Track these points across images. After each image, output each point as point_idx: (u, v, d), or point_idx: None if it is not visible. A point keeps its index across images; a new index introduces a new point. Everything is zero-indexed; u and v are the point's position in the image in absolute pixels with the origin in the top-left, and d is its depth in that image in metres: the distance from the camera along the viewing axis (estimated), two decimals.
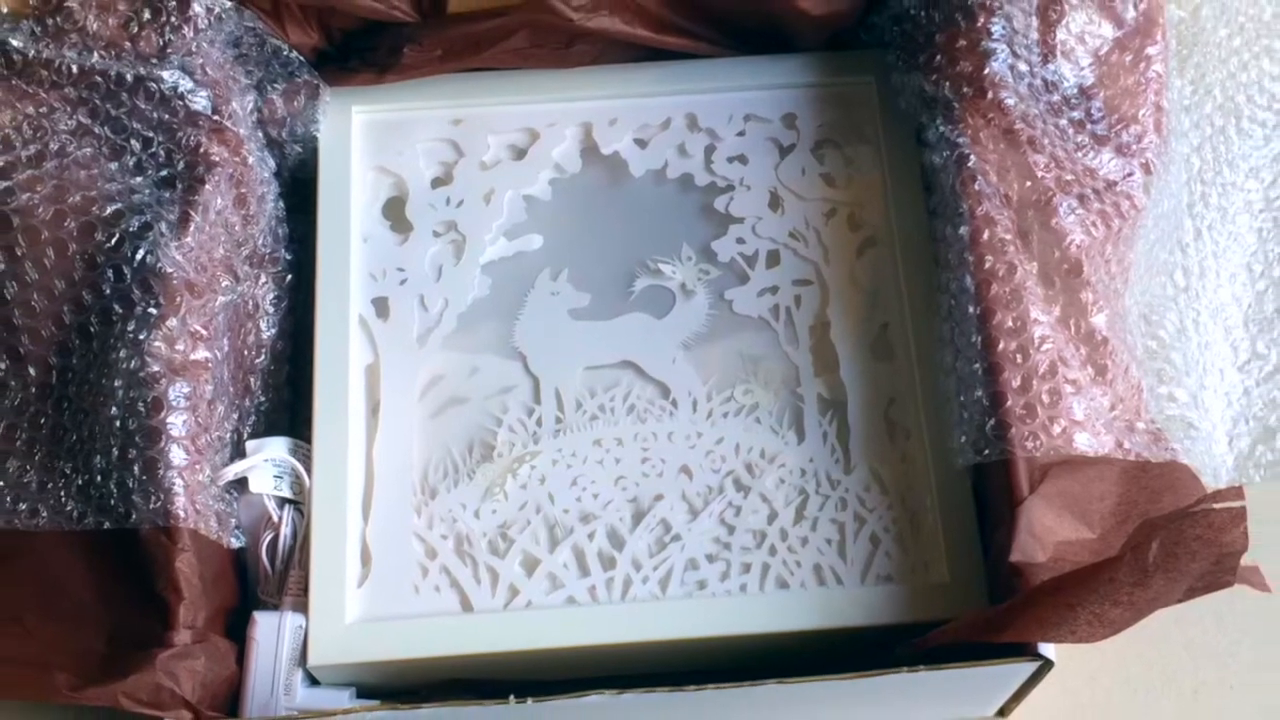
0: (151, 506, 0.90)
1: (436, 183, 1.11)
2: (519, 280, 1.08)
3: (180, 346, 0.95)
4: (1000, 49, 1.04)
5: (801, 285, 1.07)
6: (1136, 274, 1.06)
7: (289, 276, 1.08)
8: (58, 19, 1.00)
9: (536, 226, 1.10)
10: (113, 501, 0.91)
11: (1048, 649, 0.89)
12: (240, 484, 0.99)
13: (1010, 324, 0.96)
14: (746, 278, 1.08)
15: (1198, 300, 1.13)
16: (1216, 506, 0.78)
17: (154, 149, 1.00)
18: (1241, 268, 1.18)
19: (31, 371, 0.96)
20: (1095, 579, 0.81)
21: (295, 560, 0.98)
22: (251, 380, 1.04)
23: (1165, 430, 0.98)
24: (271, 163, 1.08)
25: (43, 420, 0.96)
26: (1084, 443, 0.93)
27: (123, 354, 0.94)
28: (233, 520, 0.97)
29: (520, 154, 1.12)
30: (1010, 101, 1.03)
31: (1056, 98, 1.05)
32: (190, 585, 0.91)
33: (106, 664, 0.88)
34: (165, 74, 1.00)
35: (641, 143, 1.13)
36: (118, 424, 0.92)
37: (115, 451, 0.92)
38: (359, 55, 1.13)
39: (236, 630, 0.96)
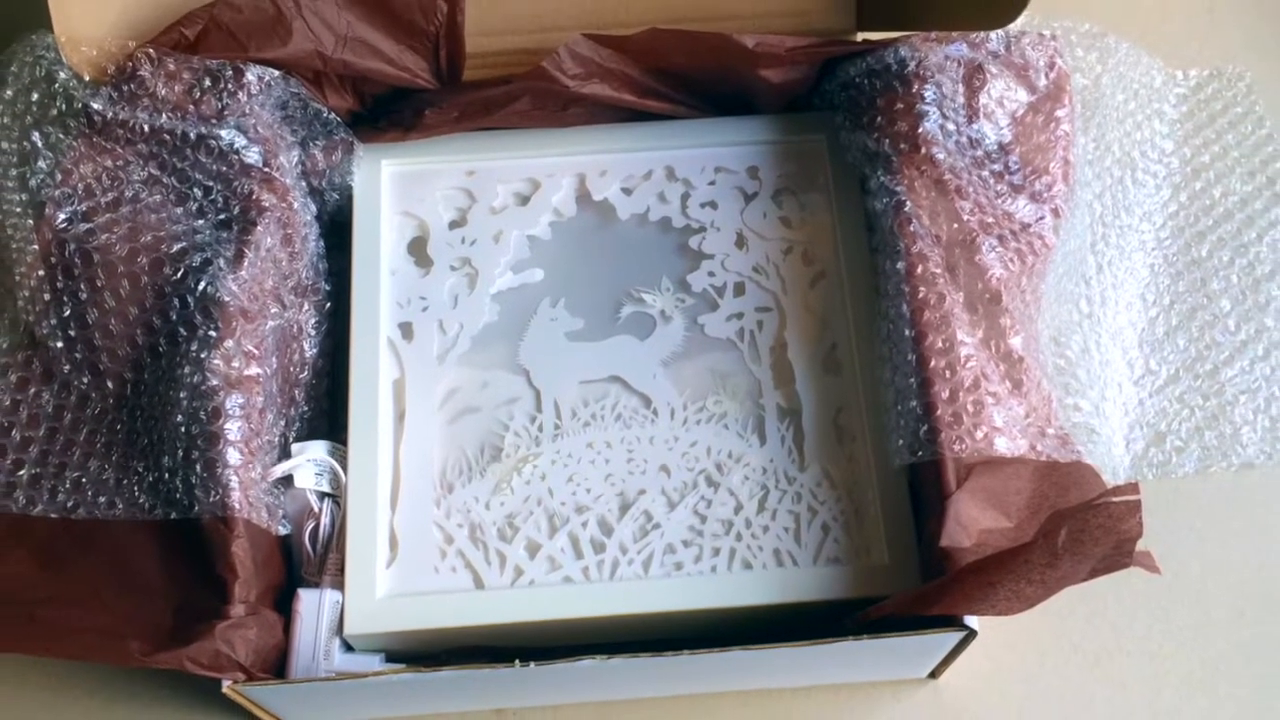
0: (211, 500, 0.90)
1: (453, 225, 1.11)
2: (523, 307, 1.08)
3: (236, 364, 0.95)
4: (932, 111, 1.05)
5: (763, 312, 1.07)
6: (1047, 302, 1.06)
7: (328, 304, 1.08)
8: (132, 86, 1.01)
9: (538, 262, 1.10)
10: (178, 495, 0.91)
11: (972, 621, 0.89)
12: (286, 480, 0.99)
13: (940, 345, 0.96)
14: (716, 305, 1.08)
15: (1099, 325, 1.14)
16: (1116, 500, 0.78)
17: (213, 196, 1.01)
18: (1136, 297, 1.18)
19: (109, 385, 0.96)
20: (1013, 561, 0.81)
21: (333, 545, 0.99)
22: (296, 392, 1.04)
23: (1071, 435, 0.98)
24: (313, 208, 1.08)
25: (119, 426, 0.96)
26: (1003, 446, 0.94)
27: (187, 370, 0.94)
28: (280, 511, 0.97)
29: (524, 200, 1.13)
30: (940, 156, 1.03)
31: (980, 153, 1.05)
32: (244, 566, 0.91)
33: (173, 633, 0.88)
34: (223, 133, 1.00)
35: (627, 191, 1.13)
36: (183, 429, 0.92)
37: (180, 453, 0.92)
38: (387, 117, 1.14)
39: (283, 604, 0.96)
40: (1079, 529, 0.79)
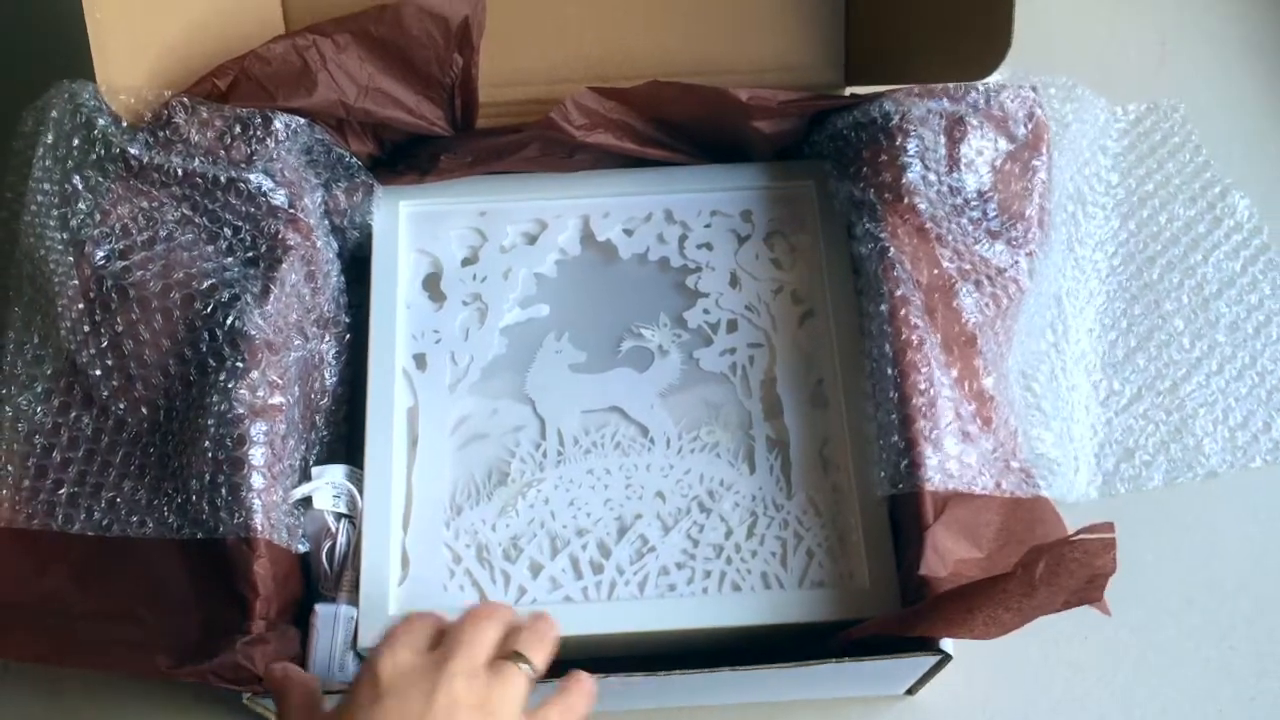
0: (235, 521, 0.89)
1: (465, 262, 1.10)
2: (530, 341, 1.07)
3: (261, 393, 0.94)
4: (914, 162, 1.03)
5: (754, 348, 1.06)
6: (1018, 339, 1.05)
7: (348, 336, 1.07)
8: (167, 132, 1.00)
9: (544, 298, 1.09)
10: (205, 516, 0.90)
11: (947, 644, 0.88)
12: (306, 501, 0.98)
13: (920, 384, 0.95)
14: (711, 341, 1.06)
15: (1064, 353, 1.14)
16: (1091, 536, 0.76)
17: (242, 235, 0.99)
18: (1096, 323, 1.18)
19: (144, 411, 0.95)
20: (992, 589, 0.80)
21: (349, 563, 0.97)
22: (317, 419, 1.03)
23: (1033, 467, 0.97)
24: (335, 245, 1.07)
25: (151, 450, 0.94)
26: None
27: (215, 399, 0.92)
28: (299, 531, 0.96)
29: (532, 240, 1.11)
30: (922, 205, 1.02)
31: (959, 200, 1.04)
32: (265, 584, 0.89)
33: (198, 647, 0.87)
34: (252, 176, 0.99)
35: (629, 232, 1.11)
36: (210, 455, 0.91)
37: (208, 476, 0.91)
38: (405, 161, 1.13)
39: (301, 618, 0.96)
40: (1056, 562, 0.77)
